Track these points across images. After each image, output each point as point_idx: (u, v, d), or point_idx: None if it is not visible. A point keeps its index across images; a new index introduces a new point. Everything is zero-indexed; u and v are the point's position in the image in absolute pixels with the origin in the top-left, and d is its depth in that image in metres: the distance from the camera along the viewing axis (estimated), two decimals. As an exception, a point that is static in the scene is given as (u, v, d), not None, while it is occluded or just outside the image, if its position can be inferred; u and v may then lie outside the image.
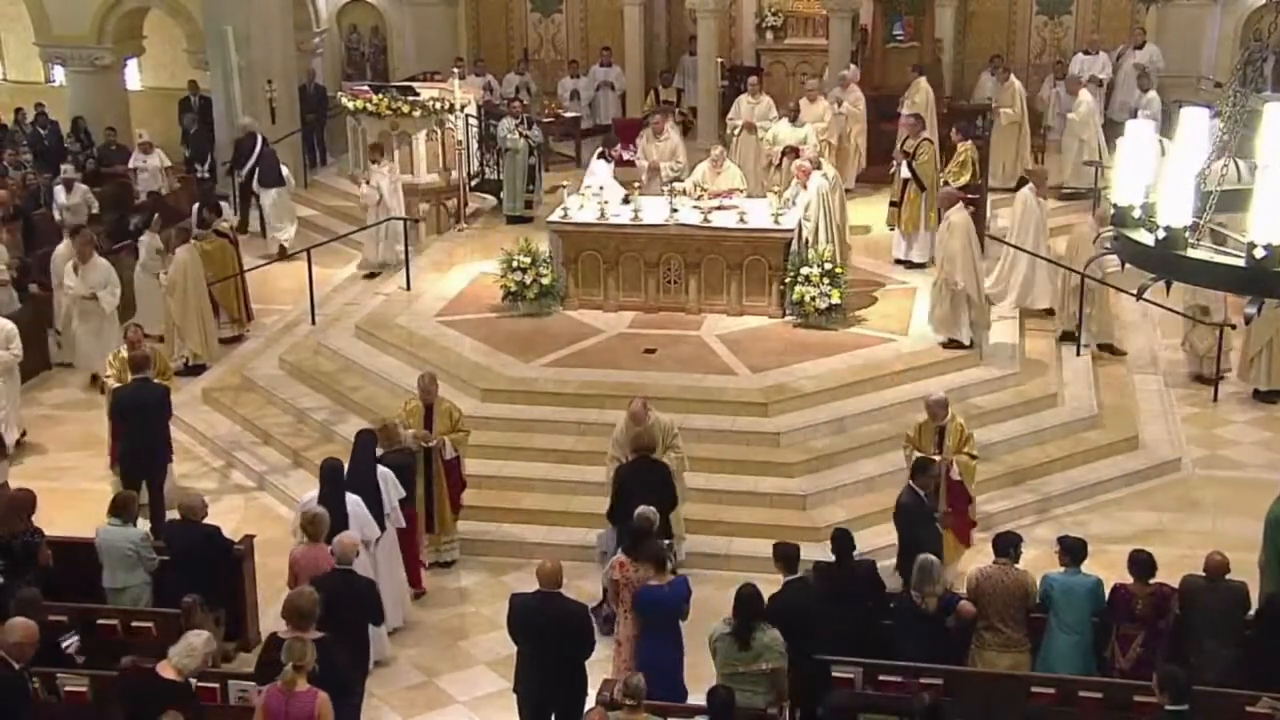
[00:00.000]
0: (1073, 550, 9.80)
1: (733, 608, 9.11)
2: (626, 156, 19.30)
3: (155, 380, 12.79)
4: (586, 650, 9.38)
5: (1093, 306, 15.54)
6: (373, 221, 17.94)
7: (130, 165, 20.83)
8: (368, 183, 18.03)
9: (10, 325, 14.58)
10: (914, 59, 20.29)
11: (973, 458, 11.71)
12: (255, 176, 19.74)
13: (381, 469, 11.17)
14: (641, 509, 10.28)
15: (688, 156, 18.51)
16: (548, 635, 9.20)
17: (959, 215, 14.72)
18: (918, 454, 11.42)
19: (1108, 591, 9.74)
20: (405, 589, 11.62)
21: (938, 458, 11.42)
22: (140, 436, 12.59)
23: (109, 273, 15.74)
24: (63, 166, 20.05)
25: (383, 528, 10.99)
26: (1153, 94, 20.56)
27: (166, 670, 8.46)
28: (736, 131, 18.40)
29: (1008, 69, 20.35)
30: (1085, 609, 9.66)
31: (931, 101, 19.79)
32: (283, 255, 18.88)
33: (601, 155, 17.68)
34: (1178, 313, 15.33)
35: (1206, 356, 15.42)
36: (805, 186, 15.97)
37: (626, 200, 16.10)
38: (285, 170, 19.88)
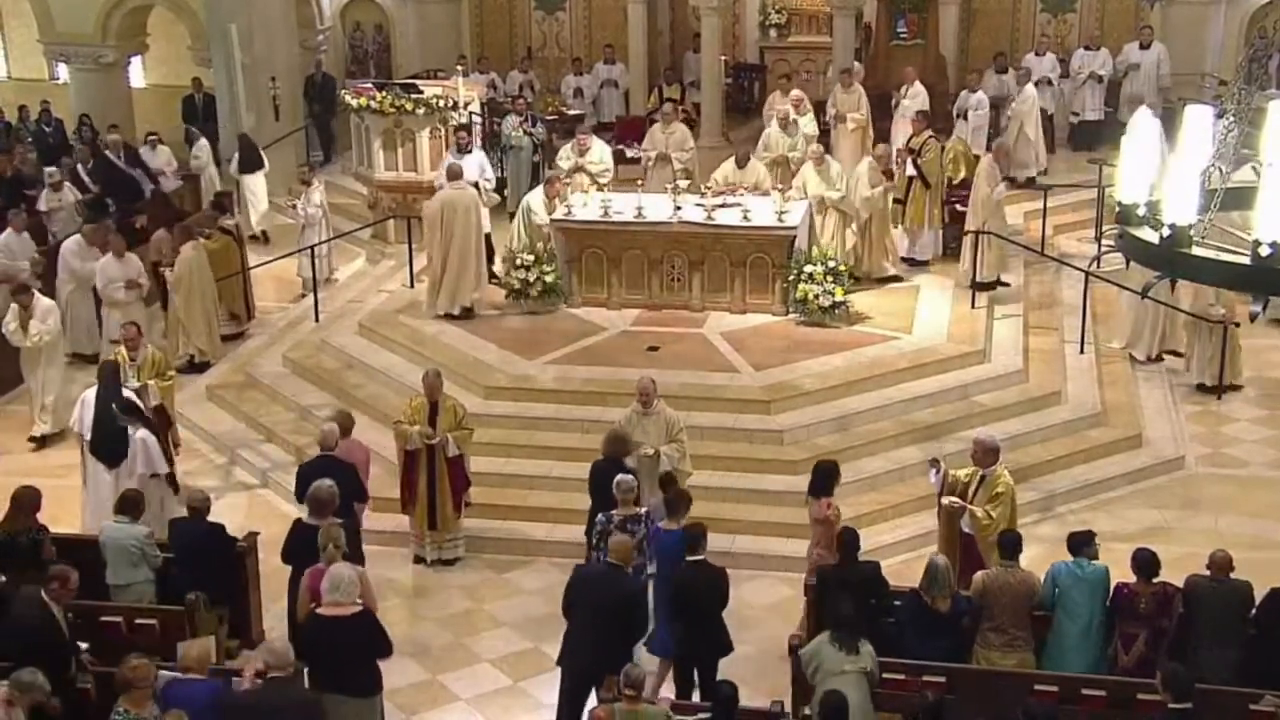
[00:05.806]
0: (1078, 546, 9.73)
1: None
2: (630, 153, 19.23)
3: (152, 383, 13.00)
4: (636, 629, 9.65)
5: (1228, 349, 14.96)
6: (313, 241, 17.60)
7: (43, 206, 18.40)
8: (306, 203, 17.72)
9: (49, 301, 14.56)
10: (918, 56, 20.22)
11: (990, 516, 10.51)
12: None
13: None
14: (620, 479, 10.54)
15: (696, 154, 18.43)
16: (602, 609, 9.43)
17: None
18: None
19: (1111, 589, 9.73)
20: None
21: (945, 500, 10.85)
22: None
23: None
24: None
25: None
26: (980, 94, 20.00)
27: (341, 609, 8.91)
28: (650, 163, 18.21)
29: (853, 76, 19.90)
30: (1093, 595, 9.61)
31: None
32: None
33: (460, 148, 17.24)
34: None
35: None
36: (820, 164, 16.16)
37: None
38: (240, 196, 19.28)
